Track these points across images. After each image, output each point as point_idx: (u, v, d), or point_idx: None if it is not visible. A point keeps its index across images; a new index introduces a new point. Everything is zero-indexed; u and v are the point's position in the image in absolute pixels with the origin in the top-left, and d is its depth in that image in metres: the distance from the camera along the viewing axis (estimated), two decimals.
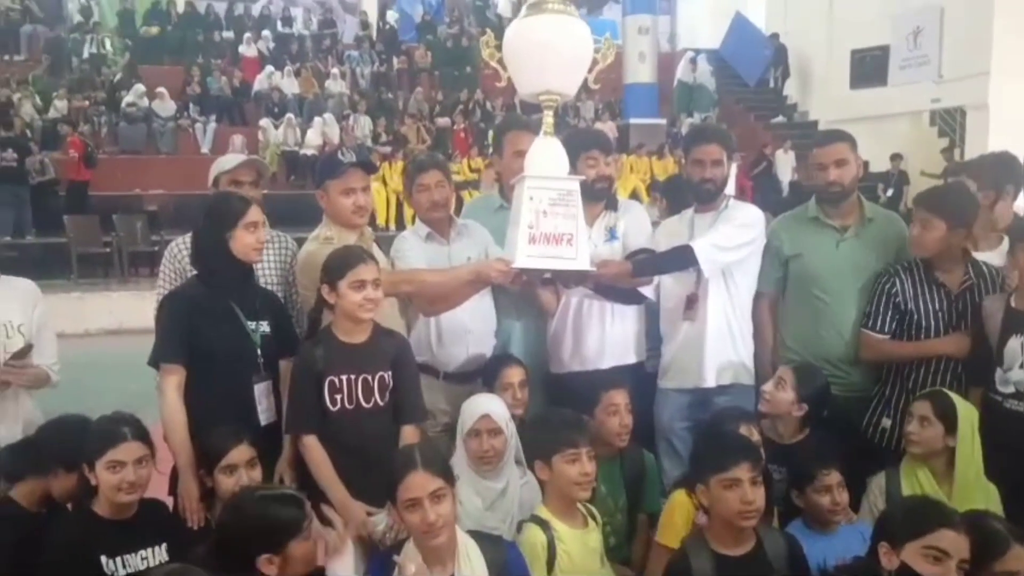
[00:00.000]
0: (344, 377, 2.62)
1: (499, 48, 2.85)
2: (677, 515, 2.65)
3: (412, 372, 2.79)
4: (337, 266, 2.62)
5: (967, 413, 2.69)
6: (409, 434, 2.69)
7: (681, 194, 3.59)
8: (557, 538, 2.47)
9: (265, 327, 2.72)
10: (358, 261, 2.62)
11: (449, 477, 2.24)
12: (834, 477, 2.62)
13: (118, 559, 2.35)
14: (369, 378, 2.64)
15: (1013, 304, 2.85)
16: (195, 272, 2.76)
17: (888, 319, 3.03)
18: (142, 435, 2.42)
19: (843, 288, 3.12)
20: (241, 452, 2.50)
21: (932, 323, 2.99)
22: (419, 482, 2.15)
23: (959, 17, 15.10)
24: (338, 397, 2.62)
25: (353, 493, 2.56)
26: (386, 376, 2.67)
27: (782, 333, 3.27)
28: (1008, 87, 14.18)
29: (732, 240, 3.04)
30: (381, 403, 2.66)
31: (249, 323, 2.68)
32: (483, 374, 3.04)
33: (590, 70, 2.84)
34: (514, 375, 2.97)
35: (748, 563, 2.31)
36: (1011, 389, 2.81)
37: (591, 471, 2.51)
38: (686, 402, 3.16)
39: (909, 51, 16.31)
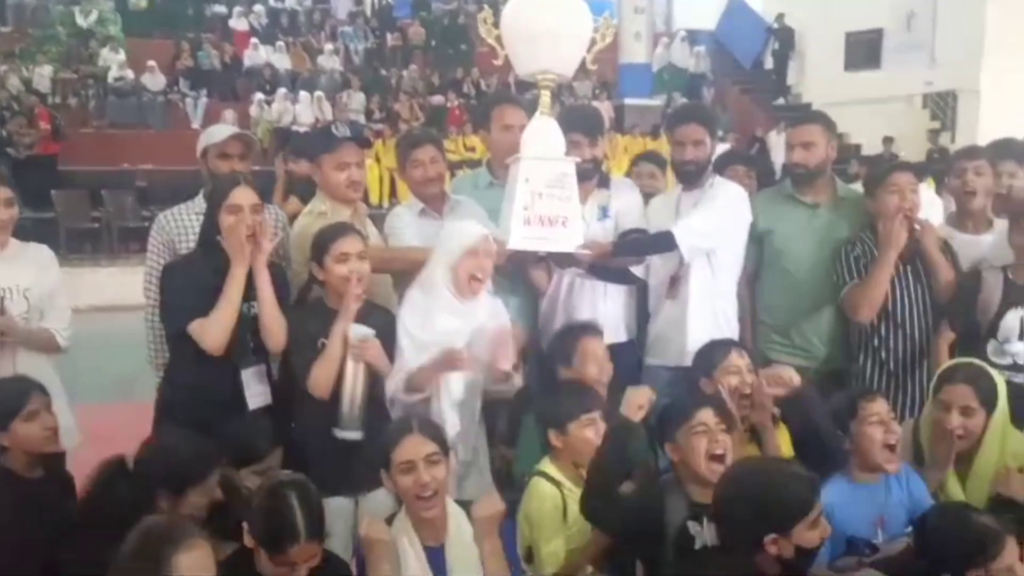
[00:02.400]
0: None
1: (496, 26, 2.83)
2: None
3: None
4: (322, 241, 2.64)
5: (1002, 386, 2.56)
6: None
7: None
8: (568, 497, 2.50)
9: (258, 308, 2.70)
10: (341, 234, 2.64)
11: (444, 445, 2.26)
12: (882, 405, 2.51)
13: None
14: None
15: (1011, 277, 2.91)
16: (192, 247, 2.77)
17: (857, 275, 3.06)
18: None
19: (813, 263, 3.18)
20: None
21: (896, 299, 3.03)
22: (414, 445, 2.18)
23: (952, 1, 15.07)
24: None
25: (336, 455, 2.57)
26: None
27: (758, 307, 3.33)
28: (999, 72, 14.25)
29: (713, 224, 3.05)
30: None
31: (243, 304, 2.65)
32: None
33: (588, 50, 2.83)
34: None
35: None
36: (1008, 360, 2.88)
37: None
38: (669, 379, 3.17)
39: (903, 34, 16.29)
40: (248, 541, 2.04)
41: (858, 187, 3.47)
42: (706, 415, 2.31)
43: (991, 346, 2.91)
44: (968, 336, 2.96)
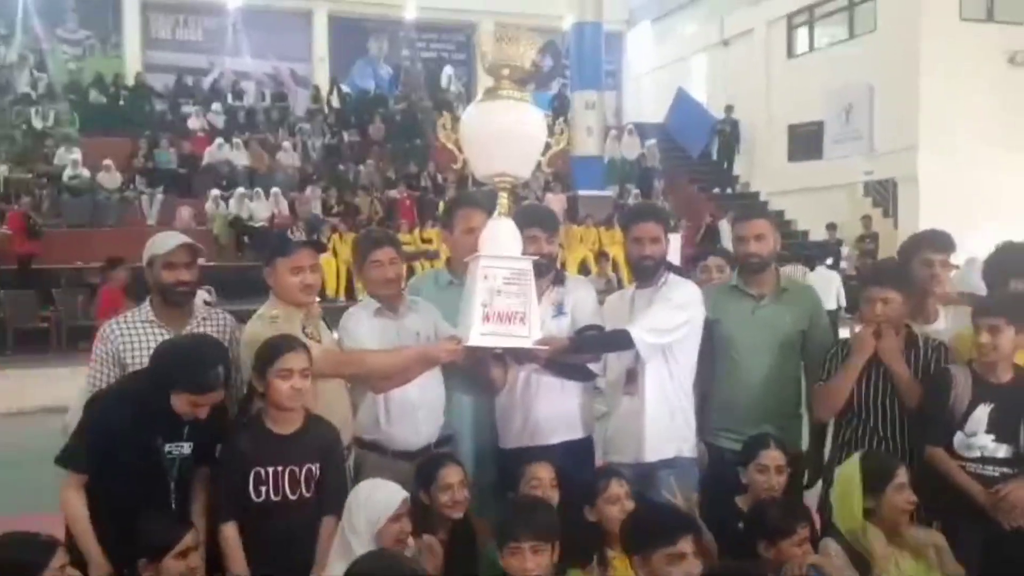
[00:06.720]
0: (270, 469, 2.59)
1: (455, 131, 2.94)
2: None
3: (340, 464, 2.77)
4: (266, 355, 2.60)
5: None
6: (328, 525, 2.62)
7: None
8: None
9: (187, 448, 2.62)
10: (286, 350, 2.60)
11: None
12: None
13: None
14: (296, 471, 2.61)
15: (979, 372, 2.95)
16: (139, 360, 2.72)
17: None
18: None
19: (756, 351, 3.30)
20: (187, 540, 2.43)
21: (864, 398, 3.09)
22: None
23: (887, 94, 15.94)
24: (263, 488, 2.59)
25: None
26: (314, 468, 2.64)
27: (709, 396, 3.37)
28: (935, 160, 14.92)
29: (668, 322, 3.11)
30: (307, 494, 2.63)
31: (168, 446, 2.59)
32: (418, 474, 2.87)
33: (543, 153, 2.95)
34: (453, 475, 2.83)
35: None
36: (976, 454, 2.91)
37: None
38: (628, 476, 3.12)
39: (842, 126, 17.09)
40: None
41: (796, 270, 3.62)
42: (686, 544, 2.31)
43: (958, 439, 2.93)
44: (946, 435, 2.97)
